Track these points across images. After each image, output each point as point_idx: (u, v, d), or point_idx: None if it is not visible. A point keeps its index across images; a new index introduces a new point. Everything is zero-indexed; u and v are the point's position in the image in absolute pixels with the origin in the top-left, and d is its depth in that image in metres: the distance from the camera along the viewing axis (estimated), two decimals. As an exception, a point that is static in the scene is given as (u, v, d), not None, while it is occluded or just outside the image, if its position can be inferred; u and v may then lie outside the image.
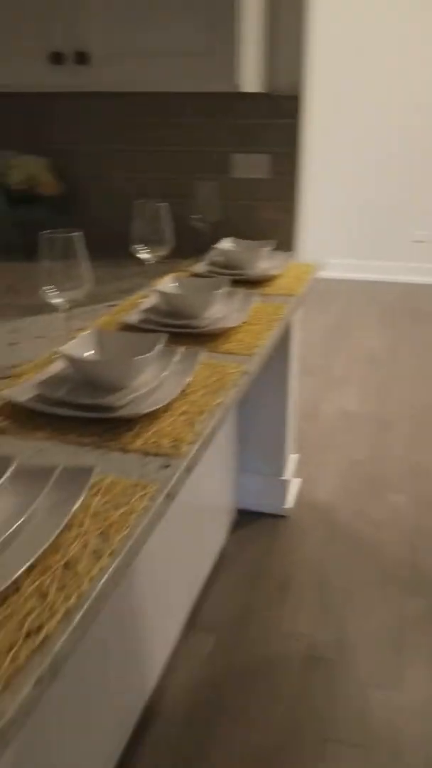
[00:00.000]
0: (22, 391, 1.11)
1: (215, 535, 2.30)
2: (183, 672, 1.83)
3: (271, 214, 2.23)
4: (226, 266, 1.94)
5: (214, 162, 2.23)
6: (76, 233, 1.27)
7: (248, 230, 2.23)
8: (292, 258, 2.20)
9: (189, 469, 0.96)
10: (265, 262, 1.97)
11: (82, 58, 1.88)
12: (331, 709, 1.72)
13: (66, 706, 1.28)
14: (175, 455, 0.96)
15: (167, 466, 0.94)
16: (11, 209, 2.15)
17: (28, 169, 2.14)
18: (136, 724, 1.66)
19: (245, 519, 2.51)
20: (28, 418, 1.06)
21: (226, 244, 2.03)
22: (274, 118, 2.15)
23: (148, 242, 1.71)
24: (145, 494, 0.87)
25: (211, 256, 2.02)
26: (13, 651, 0.61)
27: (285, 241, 2.24)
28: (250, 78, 1.93)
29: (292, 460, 2.62)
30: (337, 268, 5.45)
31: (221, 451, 2.26)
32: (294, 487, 2.65)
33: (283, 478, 2.52)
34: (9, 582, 0.68)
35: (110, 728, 1.54)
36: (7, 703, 0.56)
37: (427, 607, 2.06)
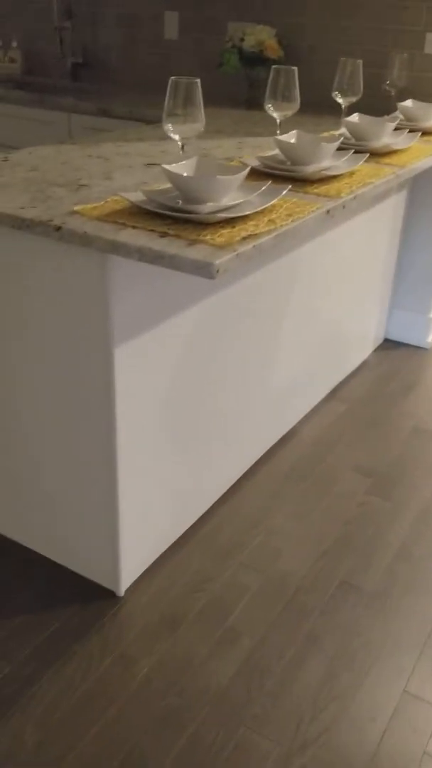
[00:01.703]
0: (252, 161, 1.79)
1: (361, 348, 2.91)
2: (319, 419, 2.51)
3: (452, 85, 2.69)
4: (405, 120, 2.46)
5: (409, 39, 2.69)
6: (293, 68, 1.88)
7: (430, 97, 2.70)
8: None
9: (343, 206, 1.59)
10: (437, 119, 2.47)
11: None
12: (428, 466, 2.34)
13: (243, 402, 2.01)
14: (336, 197, 1.59)
15: (329, 201, 1.57)
16: (243, 68, 2.78)
17: (260, 36, 2.74)
18: (277, 441, 2.38)
19: (390, 345, 3.09)
20: (255, 174, 1.73)
21: (407, 103, 2.53)
22: (468, 1, 2.57)
23: (344, 91, 2.29)
24: (315, 207, 1.51)
25: (395, 113, 2.54)
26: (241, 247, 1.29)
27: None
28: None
29: (439, 305, 3.13)
30: None
31: (373, 285, 2.83)
32: (437, 328, 3.17)
33: (430, 316, 3.05)
34: (245, 214, 1.36)
35: (259, 438, 2.28)
36: (250, 246, 1.25)
37: None
